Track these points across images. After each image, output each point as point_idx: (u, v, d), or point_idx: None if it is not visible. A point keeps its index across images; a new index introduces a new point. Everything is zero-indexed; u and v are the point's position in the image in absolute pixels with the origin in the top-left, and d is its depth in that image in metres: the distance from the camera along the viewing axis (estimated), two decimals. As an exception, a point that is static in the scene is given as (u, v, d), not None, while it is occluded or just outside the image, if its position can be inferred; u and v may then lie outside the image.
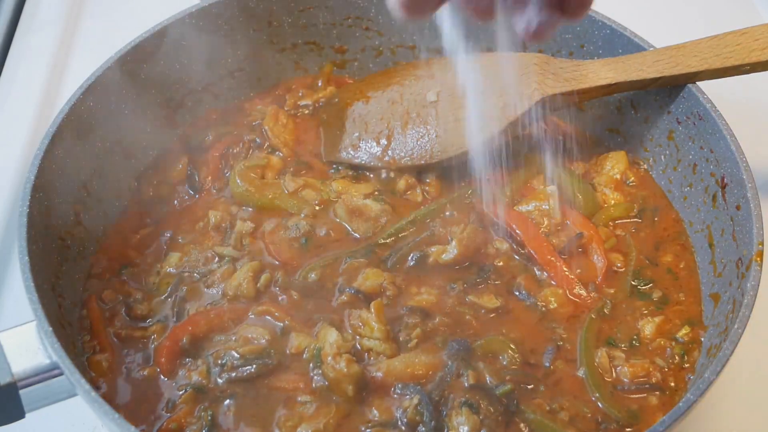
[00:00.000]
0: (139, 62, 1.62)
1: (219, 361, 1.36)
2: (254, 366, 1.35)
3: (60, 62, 2.07)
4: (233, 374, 1.35)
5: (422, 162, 1.62)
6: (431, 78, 1.66)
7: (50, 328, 1.23)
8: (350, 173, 1.65)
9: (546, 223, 1.54)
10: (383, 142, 1.64)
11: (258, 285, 1.46)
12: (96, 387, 1.35)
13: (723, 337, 1.28)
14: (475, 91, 1.46)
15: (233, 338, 1.40)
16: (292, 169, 1.66)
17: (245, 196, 1.59)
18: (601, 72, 1.55)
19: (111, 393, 1.36)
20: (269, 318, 1.43)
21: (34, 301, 1.26)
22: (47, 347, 1.23)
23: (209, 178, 1.66)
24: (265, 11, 1.75)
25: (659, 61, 1.53)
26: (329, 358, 1.33)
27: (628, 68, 1.54)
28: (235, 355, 1.36)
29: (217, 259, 1.52)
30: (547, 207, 1.55)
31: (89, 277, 1.52)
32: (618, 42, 1.63)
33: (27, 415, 1.26)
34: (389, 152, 1.63)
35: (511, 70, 1.58)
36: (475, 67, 1.62)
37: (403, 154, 1.63)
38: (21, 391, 1.23)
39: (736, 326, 1.24)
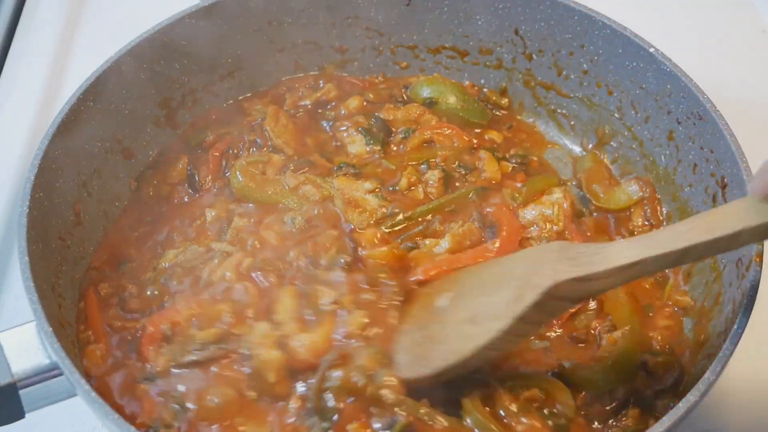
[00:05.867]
0: (139, 62, 1.62)
1: (186, 348, 1.36)
2: (209, 351, 1.35)
3: (60, 62, 2.07)
4: (190, 358, 1.34)
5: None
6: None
7: (50, 328, 1.23)
8: (351, 171, 1.64)
9: (547, 227, 1.54)
10: None
11: (240, 270, 1.44)
12: (88, 377, 1.35)
13: (723, 337, 1.28)
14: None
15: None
16: (292, 165, 1.65)
17: (246, 192, 1.59)
18: (623, 251, 1.23)
19: (102, 385, 1.36)
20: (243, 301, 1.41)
21: (34, 301, 1.26)
22: (47, 347, 1.23)
23: (209, 177, 1.65)
24: (265, 11, 1.75)
25: (692, 229, 1.22)
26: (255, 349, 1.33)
27: (654, 243, 1.23)
28: (196, 340, 1.35)
29: (212, 254, 1.51)
30: (551, 212, 1.54)
31: (88, 270, 1.52)
32: (618, 42, 1.62)
33: (27, 415, 1.27)
34: None
35: (528, 262, 1.33)
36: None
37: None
38: (21, 391, 1.23)
39: (736, 326, 1.24)
